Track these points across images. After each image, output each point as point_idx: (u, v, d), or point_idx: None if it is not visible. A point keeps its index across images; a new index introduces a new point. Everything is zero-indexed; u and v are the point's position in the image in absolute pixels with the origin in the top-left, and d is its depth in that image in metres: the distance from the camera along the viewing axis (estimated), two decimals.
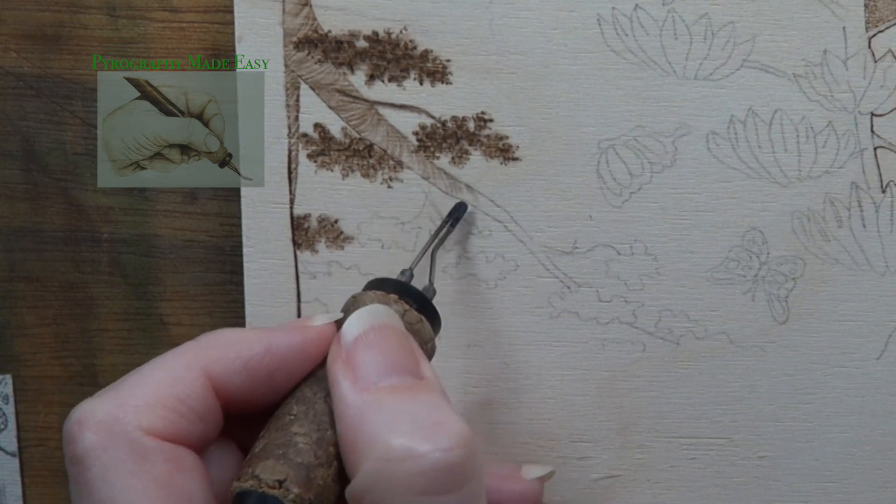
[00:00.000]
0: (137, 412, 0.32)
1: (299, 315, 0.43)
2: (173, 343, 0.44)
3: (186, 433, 0.32)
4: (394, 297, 0.36)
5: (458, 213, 0.41)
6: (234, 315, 0.44)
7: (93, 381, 0.45)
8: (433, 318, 0.37)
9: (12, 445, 0.45)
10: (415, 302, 0.36)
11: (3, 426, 0.45)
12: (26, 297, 0.45)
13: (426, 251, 0.40)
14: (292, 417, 0.33)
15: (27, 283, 0.45)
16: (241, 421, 0.34)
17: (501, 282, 0.42)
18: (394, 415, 0.31)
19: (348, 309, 0.35)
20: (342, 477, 0.32)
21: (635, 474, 0.43)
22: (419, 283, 0.38)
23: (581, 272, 0.42)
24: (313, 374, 0.34)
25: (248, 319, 0.43)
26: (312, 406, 0.33)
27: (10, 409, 0.45)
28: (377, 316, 0.34)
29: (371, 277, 0.38)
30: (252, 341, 0.34)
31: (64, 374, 0.45)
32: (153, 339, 0.45)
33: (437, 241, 0.41)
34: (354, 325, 0.34)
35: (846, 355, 0.42)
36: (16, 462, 0.45)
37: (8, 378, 0.45)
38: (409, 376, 0.32)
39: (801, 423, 0.42)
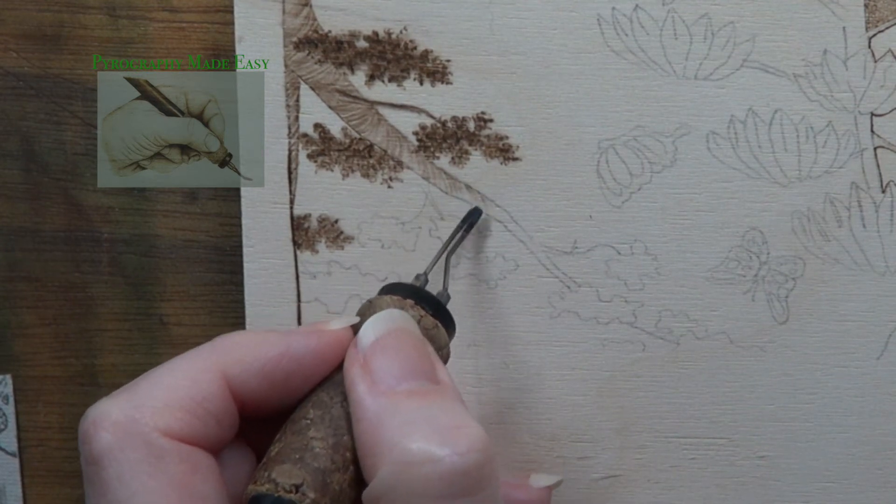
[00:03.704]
0: (154, 413, 0.32)
1: (299, 315, 0.43)
2: (173, 343, 0.45)
3: (202, 435, 0.32)
4: (410, 302, 0.36)
5: (472, 219, 0.41)
6: (234, 315, 0.44)
7: (93, 381, 0.45)
8: (448, 323, 0.37)
9: (12, 445, 0.45)
10: (430, 307, 0.36)
11: (3, 426, 0.45)
12: (26, 297, 0.45)
13: (440, 256, 0.40)
14: (308, 421, 0.33)
15: (27, 283, 0.45)
16: (254, 424, 0.34)
17: (501, 282, 0.42)
18: (411, 419, 0.31)
19: (364, 313, 0.35)
20: (358, 482, 0.32)
21: (635, 474, 0.43)
22: (432, 288, 0.38)
23: (581, 272, 0.42)
24: (329, 378, 0.34)
25: (248, 319, 0.43)
26: (329, 410, 0.33)
27: (10, 409, 0.45)
28: (394, 321, 0.34)
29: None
30: (269, 344, 0.34)
31: (64, 374, 0.45)
32: (153, 339, 0.45)
33: (451, 246, 0.41)
34: (371, 329, 0.34)
35: (846, 355, 0.42)
36: (16, 462, 0.45)
37: (8, 378, 0.45)
38: (426, 381, 0.32)
39: (801, 423, 0.42)
